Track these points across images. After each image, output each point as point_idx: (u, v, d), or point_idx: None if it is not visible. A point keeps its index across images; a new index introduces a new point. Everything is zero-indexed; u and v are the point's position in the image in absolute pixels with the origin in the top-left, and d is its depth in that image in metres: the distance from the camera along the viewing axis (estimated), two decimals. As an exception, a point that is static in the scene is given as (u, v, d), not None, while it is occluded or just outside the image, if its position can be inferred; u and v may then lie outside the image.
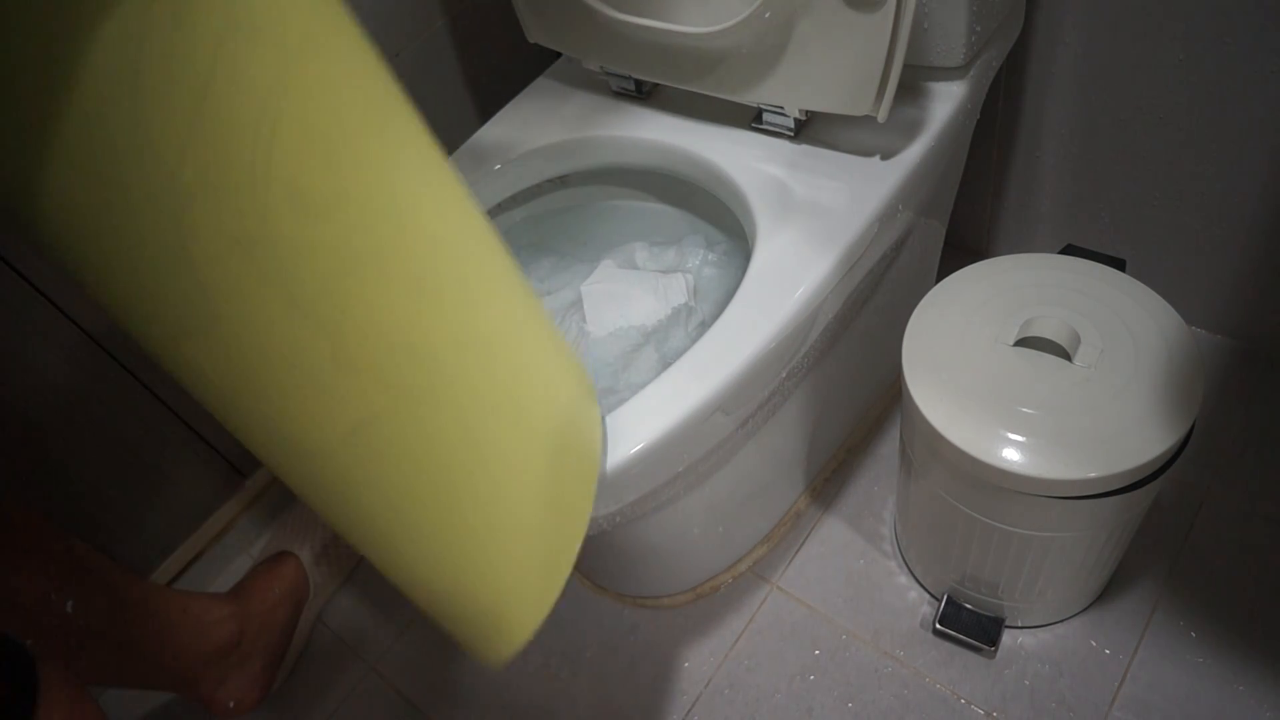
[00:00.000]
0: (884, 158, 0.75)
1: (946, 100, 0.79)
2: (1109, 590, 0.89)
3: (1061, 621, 0.88)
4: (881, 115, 0.69)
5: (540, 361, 0.44)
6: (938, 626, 0.88)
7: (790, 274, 0.68)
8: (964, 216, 1.15)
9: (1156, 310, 0.71)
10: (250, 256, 0.32)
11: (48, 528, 0.75)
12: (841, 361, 0.89)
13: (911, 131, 0.77)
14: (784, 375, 0.72)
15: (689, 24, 0.75)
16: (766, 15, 0.68)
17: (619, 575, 0.98)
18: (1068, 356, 0.70)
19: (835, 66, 0.69)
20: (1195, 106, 0.87)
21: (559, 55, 0.97)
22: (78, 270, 0.31)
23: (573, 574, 1.02)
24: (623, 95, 0.89)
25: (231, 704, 0.93)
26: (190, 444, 1.02)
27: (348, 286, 0.34)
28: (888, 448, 1.05)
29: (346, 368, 0.34)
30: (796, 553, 0.99)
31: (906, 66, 0.70)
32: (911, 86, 0.80)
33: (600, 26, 0.80)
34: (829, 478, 1.04)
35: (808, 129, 0.80)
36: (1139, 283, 0.73)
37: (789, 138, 0.79)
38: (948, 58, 0.77)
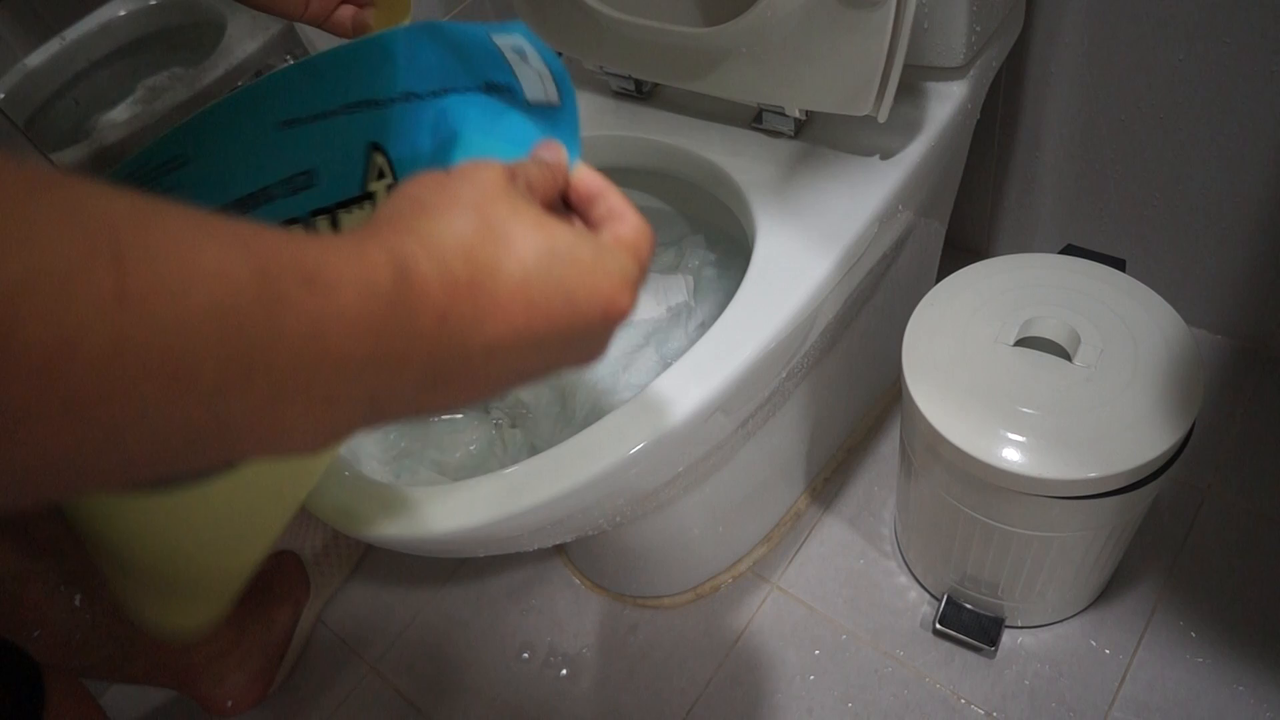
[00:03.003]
0: (884, 158, 0.75)
1: (946, 100, 0.79)
2: (1109, 590, 0.89)
3: (1061, 621, 0.88)
4: (881, 115, 0.69)
5: None
6: (938, 626, 0.88)
7: (790, 274, 0.68)
8: (964, 216, 1.15)
9: (1156, 310, 0.71)
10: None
11: (60, 524, 0.75)
12: (841, 361, 0.89)
13: (911, 131, 0.77)
14: (784, 375, 0.72)
15: (689, 24, 0.75)
16: (766, 15, 0.68)
17: (619, 575, 0.98)
18: (1068, 356, 0.70)
19: (835, 66, 0.69)
20: (1195, 106, 0.87)
21: (559, 55, 0.96)
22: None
23: (573, 574, 1.02)
24: (623, 95, 0.89)
25: (230, 703, 0.93)
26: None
27: None
28: (888, 448, 1.05)
29: None
30: (796, 553, 0.99)
31: (906, 66, 0.70)
32: (911, 86, 0.80)
33: (600, 26, 0.80)
34: (829, 478, 1.04)
35: (808, 129, 0.80)
36: (1139, 283, 0.73)
37: (789, 138, 0.79)
38: (948, 58, 0.77)
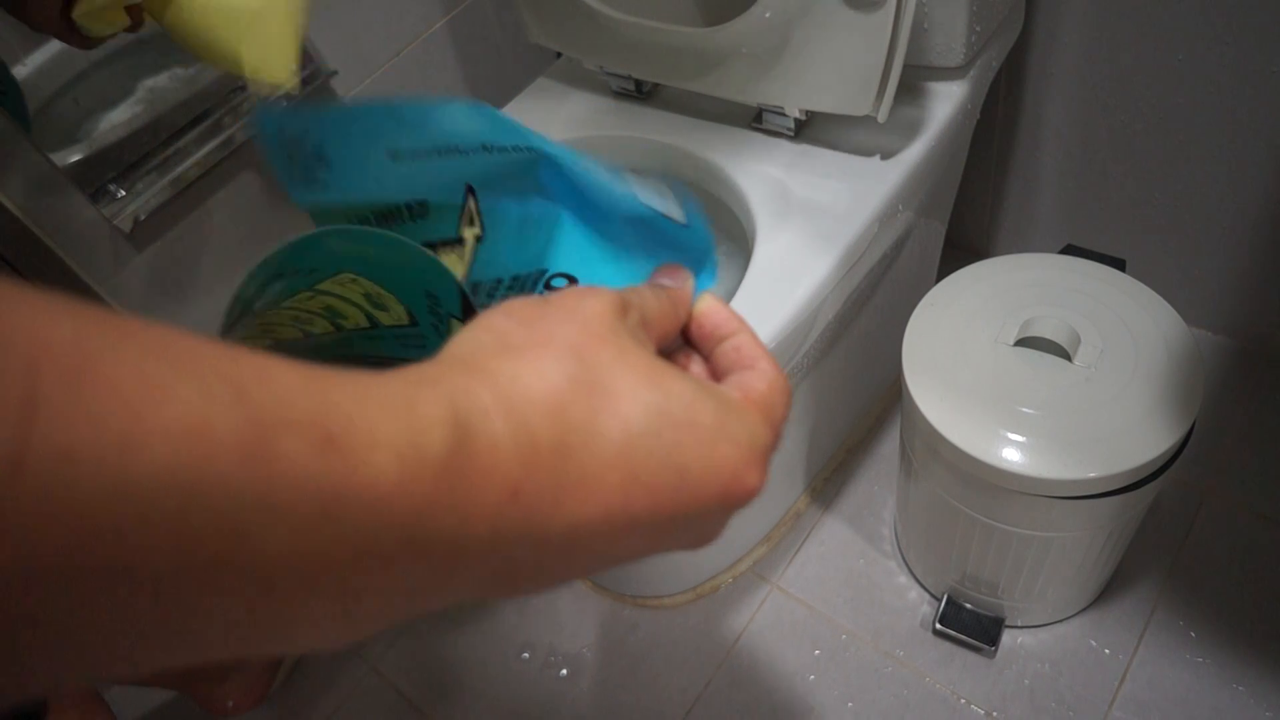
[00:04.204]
0: (884, 158, 0.75)
1: (946, 100, 0.79)
2: (1109, 590, 0.89)
3: (1061, 621, 0.88)
4: (881, 115, 0.69)
5: None
6: (938, 626, 0.88)
7: (790, 274, 0.68)
8: (964, 216, 1.15)
9: (1156, 310, 0.71)
10: None
11: None
12: (841, 361, 0.89)
13: (911, 131, 0.77)
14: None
15: (689, 24, 0.75)
16: (766, 15, 0.68)
17: (619, 575, 0.98)
18: (1068, 356, 0.70)
19: (835, 66, 0.69)
20: (1195, 106, 0.87)
21: (559, 55, 0.97)
22: None
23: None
24: (623, 95, 0.89)
25: (231, 703, 0.93)
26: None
27: None
28: (888, 448, 1.05)
29: None
30: (796, 552, 0.99)
31: (906, 66, 0.70)
32: (911, 86, 0.80)
33: (600, 26, 0.80)
34: (829, 477, 1.04)
35: (808, 129, 0.80)
36: (1139, 283, 0.73)
37: (789, 138, 0.79)
38: (948, 58, 0.77)
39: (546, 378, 0.21)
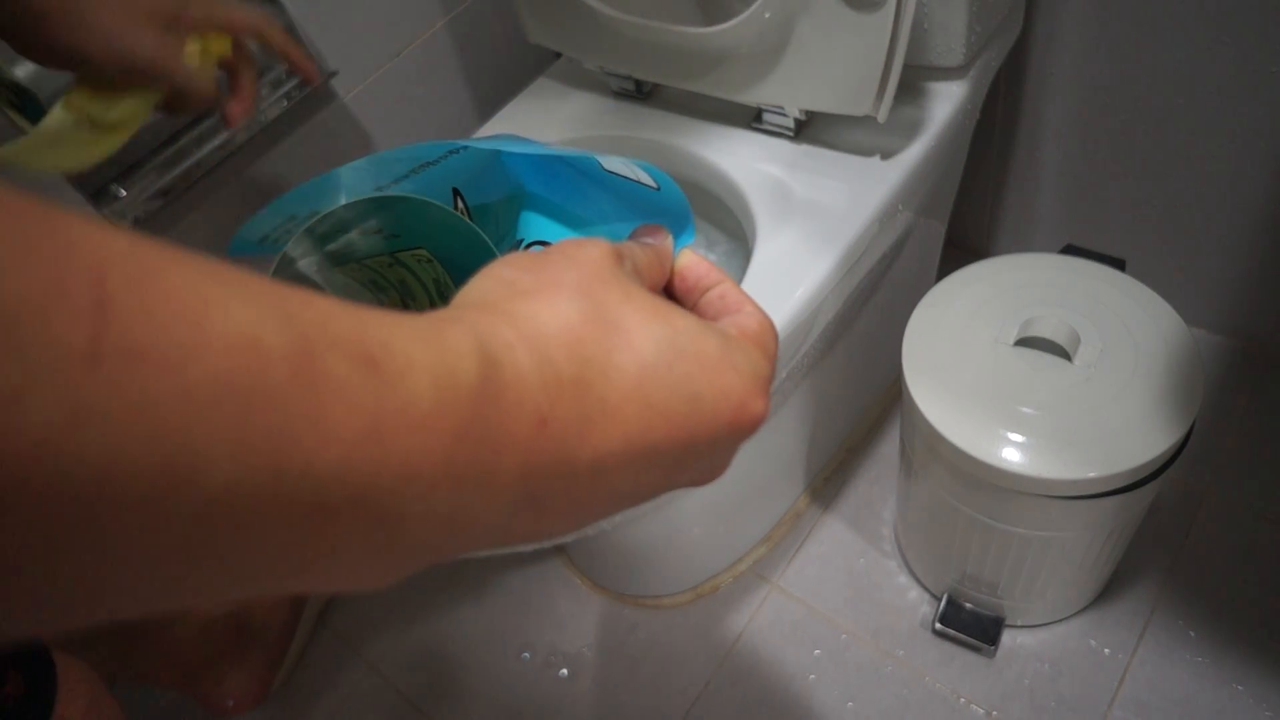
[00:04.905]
0: (884, 158, 0.75)
1: (946, 100, 0.79)
2: (1109, 590, 0.89)
3: (1061, 621, 0.88)
4: (881, 115, 0.69)
5: None
6: (938, 626, 0.88)
7: (790, 274, 0.68)
8: (964, 216, 1.15)
9: (1156, 310, 0.71)
10: None
11: None
12: (841, 361, 0.89)
13: (911, 131, 0.77)
14: (784, 376, 0.72)
15: (689, 24, 0.75)
16: (766, 15, 0.68)
17: (619, 575, 0.98)
18: (1068, 356, 0.70)
19: (835, 66, 0.69)
20: (1195, 107, 0.87)
21: (559, 55, 0.97)
22: None
23: (573, 574, 1.02)
24: (623, 95, 0.89)
25: (231, 702, 0.94)
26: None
27: None
28: (888, 448, 1.05)
29: None
30: (796, 552, 0.99)
31: (906, 66, 0.70)
32: (911, 86, 0.80)
33: (600, 26, 0.80)
34: (829, 477, 1.04)
35: (808, 129, 0.80)
36: (1139, 283, 0.73)
37: (789, 138, 0.79)
38: (948, 58, 0.77)
39: (562, 315, 0.22)
